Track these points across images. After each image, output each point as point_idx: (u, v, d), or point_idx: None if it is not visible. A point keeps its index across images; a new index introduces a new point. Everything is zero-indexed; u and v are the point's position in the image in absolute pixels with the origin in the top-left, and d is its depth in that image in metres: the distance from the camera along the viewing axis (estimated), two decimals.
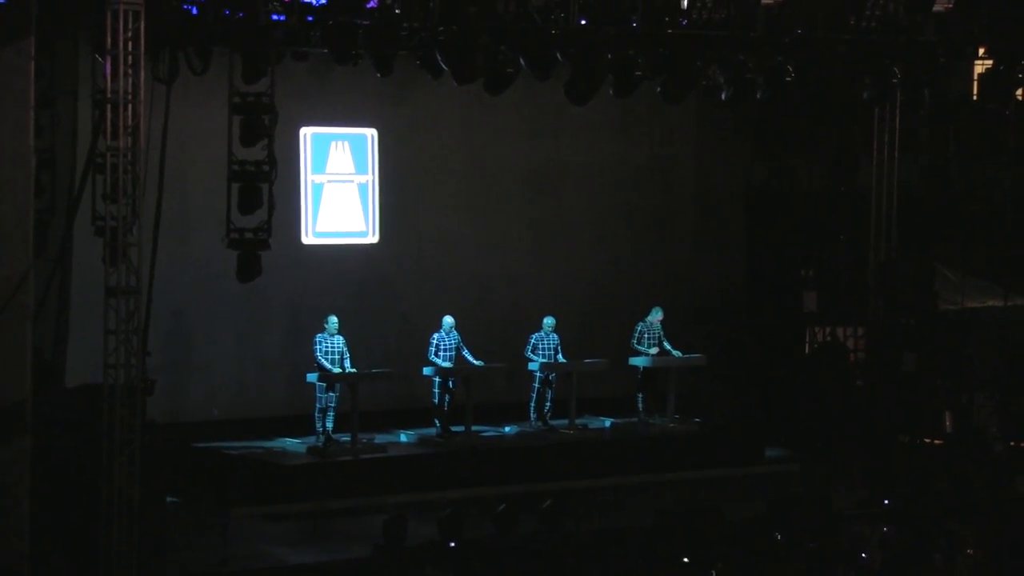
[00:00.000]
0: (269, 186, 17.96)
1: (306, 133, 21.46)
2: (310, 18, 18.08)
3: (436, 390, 20.83)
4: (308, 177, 21.52)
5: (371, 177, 22.04)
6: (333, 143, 21.83)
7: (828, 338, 22.90)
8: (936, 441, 22.42)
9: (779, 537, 17.04)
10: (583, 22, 19.13)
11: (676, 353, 22.08)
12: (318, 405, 19.96)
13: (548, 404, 21.54)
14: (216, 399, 20.64)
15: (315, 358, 19.91)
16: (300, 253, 21.27)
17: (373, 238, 22.07)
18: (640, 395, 22.14)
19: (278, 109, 17.71)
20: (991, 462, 21.55)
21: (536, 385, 21.49)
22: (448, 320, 20.83)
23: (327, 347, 19.93)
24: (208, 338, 20.66)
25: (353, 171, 21.96)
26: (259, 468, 19.54)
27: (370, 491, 19.49)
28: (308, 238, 21.52)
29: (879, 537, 16.73)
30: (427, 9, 18.21)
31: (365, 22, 18.20)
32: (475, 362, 20.83)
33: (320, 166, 21.74)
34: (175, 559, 16.67)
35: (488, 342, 21.83)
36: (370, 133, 21.94)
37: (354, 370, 20.04)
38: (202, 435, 20.15)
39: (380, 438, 20.67)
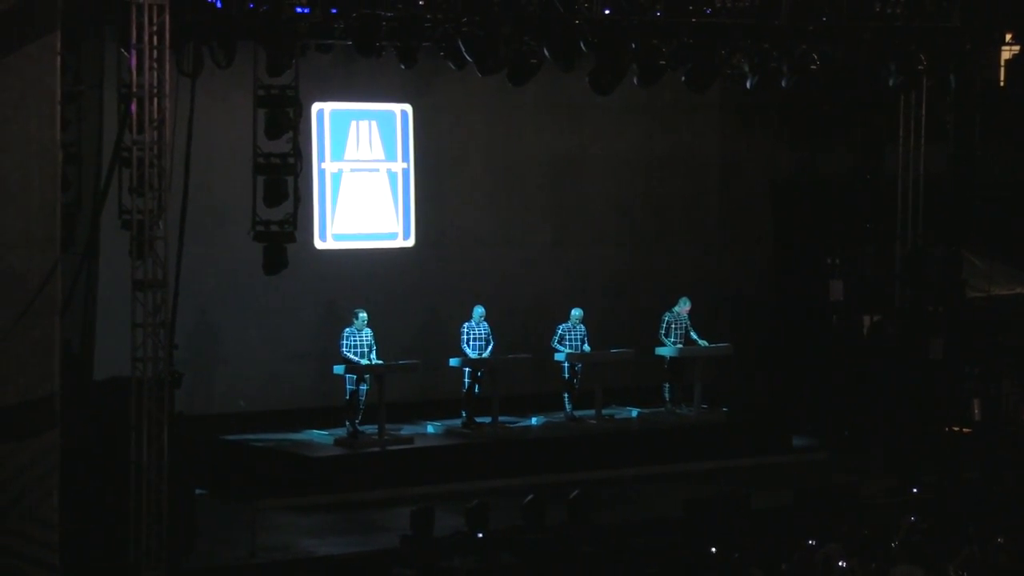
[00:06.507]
0: (294, 179, 18.03)
1: (323, 110, 20.52)
2: (334, 10, 18.09)
3: (466, 380, 20.87)
4: (327, 165, 20.56)
5: (404, 164, 21.13)
6: (354, 122, 20.74)
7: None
8: (964, 429, 22.33)
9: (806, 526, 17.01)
10: (607, 12, 19.11)
11: (703, 343, 22.05)
12: (348, 395, 19.97)
13: (567, 394, 21.53)
14: (243, 391, 20.68)
15: (341, 353, 19.93)
16: (324, 248, 21.21)
17: (407, 241, 21.55)
18: (667, 385, 22.14)
19: (302, 101, 17.73)
20: (1020, 449, 21.48)
21: (565, 376, 21.49)
22: (479, 310, 20.84)
23: (355, 341, 19.95)
24: (235, 330, 20.70)
25: (382, 157, 21.01)
26: (287, 460, 19.60)
27: (397, 482, 19.53)
28: (325, 241, 20.85)
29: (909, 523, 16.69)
30: (450, 0, 18.20)
31: (389, 14, 18.22)
32: (485, 356, 20.80)
33: (339, 151, 20.84)
34: (204, 551, 16.73)
35: (513, 333, 21.83)
36: (400, 110, 21.12)
37: (381, 362, 20.07)
38: (230, 427, 20.21)
39: (407, 429, 20.71)
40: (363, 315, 19.99)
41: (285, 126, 17.83)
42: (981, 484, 19.78)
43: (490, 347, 20.88)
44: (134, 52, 15.77)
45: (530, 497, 17.41)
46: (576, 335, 21.44)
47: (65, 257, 15.85)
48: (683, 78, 20.21)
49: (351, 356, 19.91)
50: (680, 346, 21.92)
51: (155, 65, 15.78)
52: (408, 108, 21.45)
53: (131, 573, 15.58)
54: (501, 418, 21.08)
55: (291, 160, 17.95)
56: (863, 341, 22.71)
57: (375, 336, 20.10)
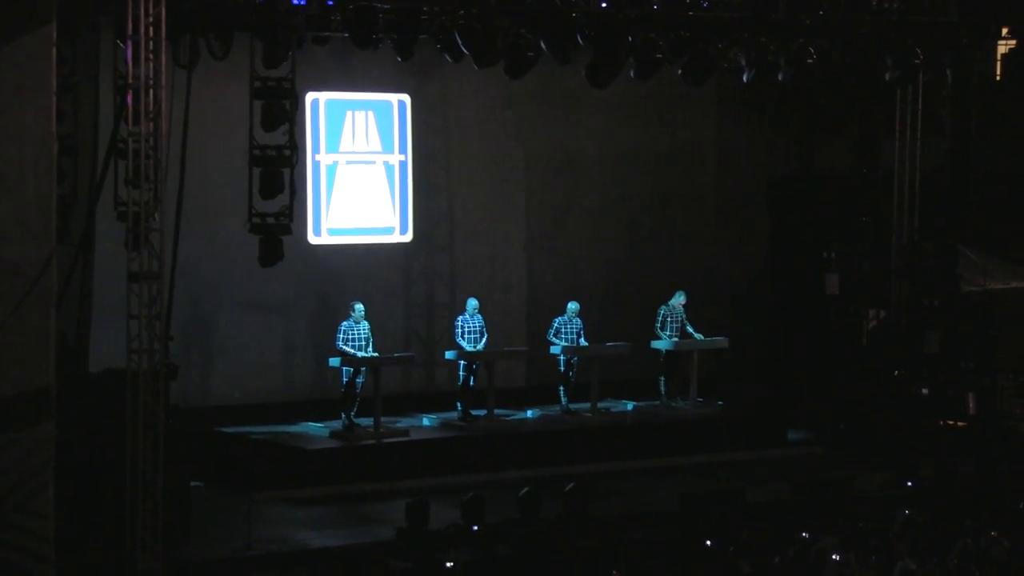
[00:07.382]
0: (290, 171, 18.01)
1: (317, 99, 20.31)
2: (330, 2, 18.08)
3: (461, 372, 20.86)
4: (321, 157, 20.40)
5: (401, 156, 20.93)
6: (349, 113, 20.52)
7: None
8: (959, 423, 22.35)
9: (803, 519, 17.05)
10: (604, 5, 19.10)
11: (699, 337, 22.06)
12: (344, 388, 19.96)
13: (563, 387, 21.52)
14: (239, 383, 20.68)
15: (336, 346, 19.90)
16: (319, 241, 21.19)
17: (404, 236, 21.45)
18: (663, 378, 22.14)
19: (298, 92, 17.71)
20: (1015, 443, 21.49)
21: (561, 369, 21.49)
22: (472, 302, 20.83)
23: (351, 335, 19.92)
24: (231, 322, 20.70)
25: (379, 148, 20.71)
26: (283, 452, 19.59)
27: (393, 475, 19.53)
28: (320, 236, 20.77)
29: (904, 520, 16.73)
30: None
31: (385, 6, 18.20)
32: (480, 348, 20.79)
33: (334, 143, 20.59)
34: (199, 543, 16.73)
35: (510, 326, 21.83)
36: (398, 100, 21.00)
37: (376, 354, 20.06)
38: (226, 419, 20.21)
39: (403, 422, 20.72)
40: (360, 307, 19.97)
41: (281, 118, 17.83)
42: (976, 477, 19.79)
43: (484, 340, 20.88)
44: (130, 43, 15.73)
45: (526, 490, 17.41)
46: (572, 328, 21.44)
47: (61, 249, 15.83)
48: (680, 71, 20.20)
49: (346, 349, 19.91)
50: (676, 339, 21.92)
51: (151, 56, 15.73)
52: (406, 98, 21.38)
53: (126, 565, 15.57)
54: (497, 411, 21.07)
55: (287, 152, 17.95)
56: (859, 335, 22.72)
57: (372, 329, 20.08)
